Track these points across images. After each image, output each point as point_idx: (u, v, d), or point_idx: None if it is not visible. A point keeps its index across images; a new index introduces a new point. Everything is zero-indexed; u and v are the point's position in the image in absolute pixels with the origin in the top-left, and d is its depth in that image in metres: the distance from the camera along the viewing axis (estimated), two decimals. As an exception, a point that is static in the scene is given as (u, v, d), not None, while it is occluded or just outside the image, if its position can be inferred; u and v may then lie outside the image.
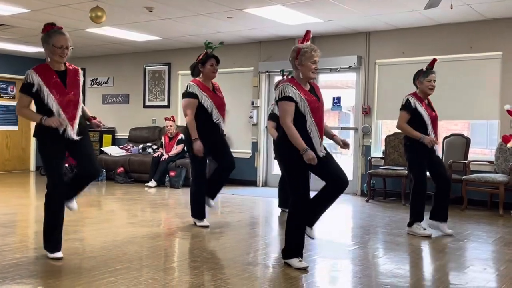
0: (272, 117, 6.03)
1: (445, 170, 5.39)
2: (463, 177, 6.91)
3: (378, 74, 8.16)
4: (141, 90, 10.74)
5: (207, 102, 5.10)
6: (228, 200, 7.41)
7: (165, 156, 9.00)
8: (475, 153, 8.10)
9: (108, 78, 11.18)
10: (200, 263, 3.94)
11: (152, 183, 8.78)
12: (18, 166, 11.46)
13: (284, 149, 3.77)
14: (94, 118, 4.13)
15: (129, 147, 10.13)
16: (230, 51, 9.41)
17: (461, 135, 7.49)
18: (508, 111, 6.53)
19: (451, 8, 5.44)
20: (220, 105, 5.22)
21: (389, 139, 7.87)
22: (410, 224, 5.17)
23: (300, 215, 3.80)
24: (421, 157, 5.04)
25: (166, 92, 10.37)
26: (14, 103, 10.26)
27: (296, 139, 3.65)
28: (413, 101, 5.00)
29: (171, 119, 9.33)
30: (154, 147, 9.73)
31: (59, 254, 3.91)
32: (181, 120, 10.09)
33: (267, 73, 9.13)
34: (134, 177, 9.41)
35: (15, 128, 11.36)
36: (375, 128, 8.25)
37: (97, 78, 11.34)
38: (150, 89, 10.62)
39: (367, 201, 7.56)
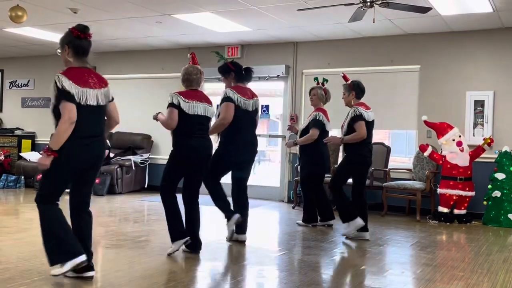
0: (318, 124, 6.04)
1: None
2: (383, 184, 7.21)
3: (305, 83, 8.35)
4: (64, 93, 10.32)
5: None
6: (154, 208, 7.27)
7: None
8: (395, 161, 8.48)
9: (29, 80, 10.68)
10: (124, 273, 3.84)
11: (75, 190, 8.43)
12: None
13: None
14: None
15: (50, 152, 9.70)
16: (159, 56, 9.31)
17: (382, 144, 7.81)
18: (425, 121, 6.92)
19: (374, 22, 5.67)
20: None
21: (315, 147, 8.04)
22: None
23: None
24: None
25: (91, 97, 10.06)
26: None
27: None
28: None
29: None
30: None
31: None
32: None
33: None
34: (56, 184, 9.01)
35: None
36: (301, 136, 8.40)
37: (16, 81, 10.80)
38: (74, 93, 10.25)
39: (293, 207, 7.69)
